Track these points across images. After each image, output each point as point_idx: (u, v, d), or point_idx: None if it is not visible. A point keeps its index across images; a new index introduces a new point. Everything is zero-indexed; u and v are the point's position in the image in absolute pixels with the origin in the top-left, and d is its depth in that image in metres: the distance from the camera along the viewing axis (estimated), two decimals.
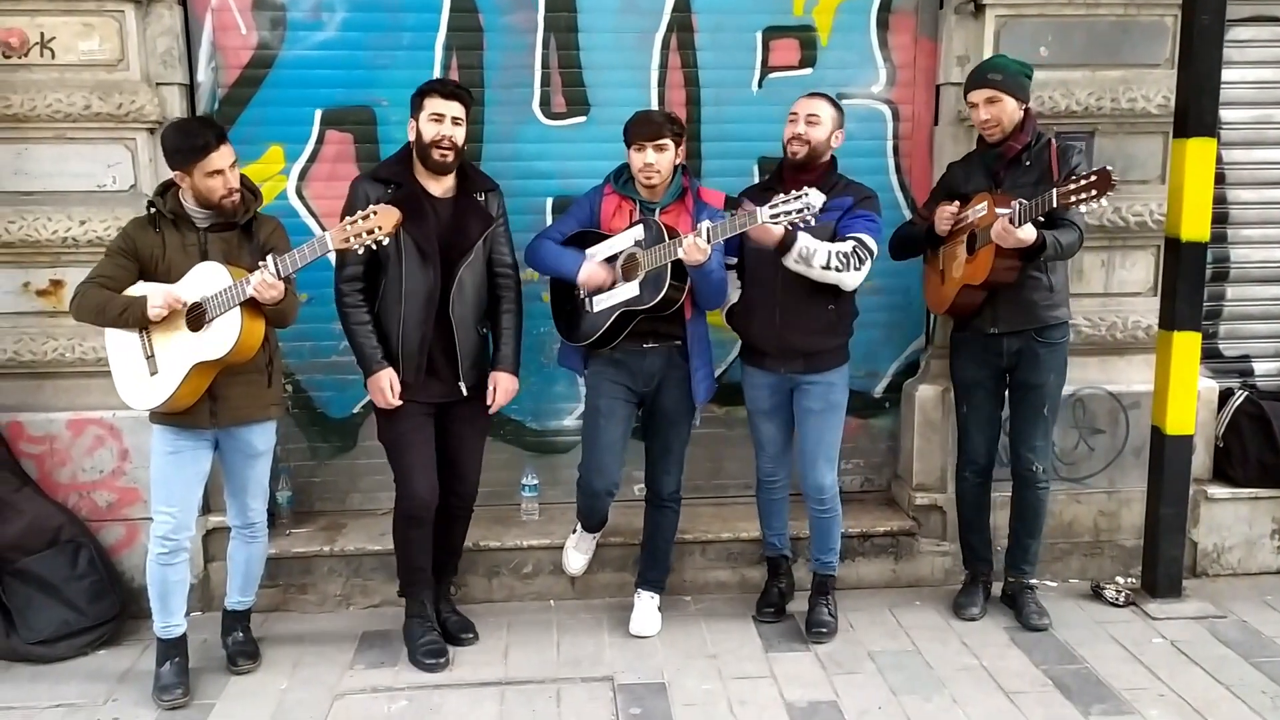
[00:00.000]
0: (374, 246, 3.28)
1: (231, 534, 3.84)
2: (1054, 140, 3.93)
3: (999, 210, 3.70)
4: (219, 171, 3.40)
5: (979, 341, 4.04)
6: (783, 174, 3.89)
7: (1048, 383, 4.01)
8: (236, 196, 3.47)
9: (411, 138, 3.68)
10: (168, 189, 3.54)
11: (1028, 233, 3.66)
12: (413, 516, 3.79)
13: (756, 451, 4.14)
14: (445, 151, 3.61)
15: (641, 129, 3.74)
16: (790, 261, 3.67)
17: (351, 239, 3.26)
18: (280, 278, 3.34)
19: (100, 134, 4.11)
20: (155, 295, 3.39)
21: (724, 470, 4.78)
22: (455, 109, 3.62)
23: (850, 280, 3.76)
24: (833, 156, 3.92)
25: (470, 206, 3.75)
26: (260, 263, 3.37)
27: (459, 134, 3.63)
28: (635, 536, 4.27)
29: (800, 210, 3.43)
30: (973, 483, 4.22)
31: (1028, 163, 3.89)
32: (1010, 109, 3.84)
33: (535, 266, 4.02)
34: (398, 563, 3.92)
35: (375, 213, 3.26)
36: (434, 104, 3.60)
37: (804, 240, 3.63)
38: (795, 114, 3.85)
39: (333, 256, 3.37)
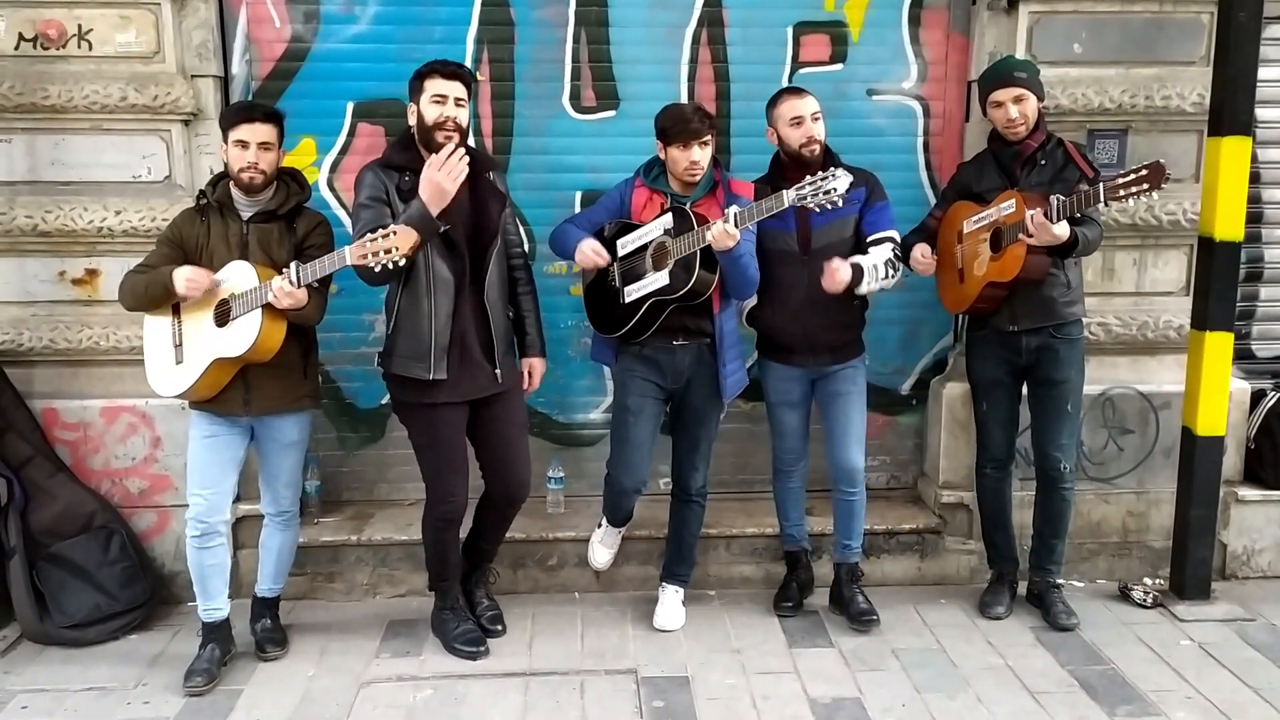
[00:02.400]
0: (390, 266, 3.26)
1: (265, 521, 3.89)
2: (1065, 140, 3.92)
3: (1029, 208, 3.68)
4: (243, 143, 3.49)
5: (998, 339, 4.02)
6: (785, 172, 3.86)
7: (1070, 379, 3.99)
8: (258, 176, 3.52)
9: (412, 122, 3.59)
10: (220, 180, 3.61)
11: (1063, 229, 3.64)
12: (449, 519, 3.80)
13: (776, 441, 4.15)
14: (450, 134, 3.50)
15: (684, 128, 3.68)
16: (862, 289, 3.80)
17: (369, 256, 3.26)
18: (299, 285, 3.38)
19: (136, 125, 4.16)
20: (185, 268, 3.47)
21: (750, 466, 4.78)
22: (457, 89, 3.53)
23: (896, 281, 3.83)
24: (824, 143, 3.88)
25: (486, 188, 3.67)
26: (284, 268, 3.42)
27: (462, 115, 3.54)
28: (660, 530, 4.28)
29: (827, 193, 3.44)
30: (994, 478, 4.20)
31: (1042, 161, 3.87)
32: (1034, 107, 3.83)
33: (554, 250, 4.05)
34: (430, 561, 3.93)
35: (394, 233, 3.24)
36: (435, 85, 3.51)
37: (867, 269, 3.75)
38: (800, 117, 3.81)
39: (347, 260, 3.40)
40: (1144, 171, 3.48)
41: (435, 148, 3.49)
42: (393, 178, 3.56)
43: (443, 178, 3.36)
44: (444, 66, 3.56)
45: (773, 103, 3.91)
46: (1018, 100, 3.80)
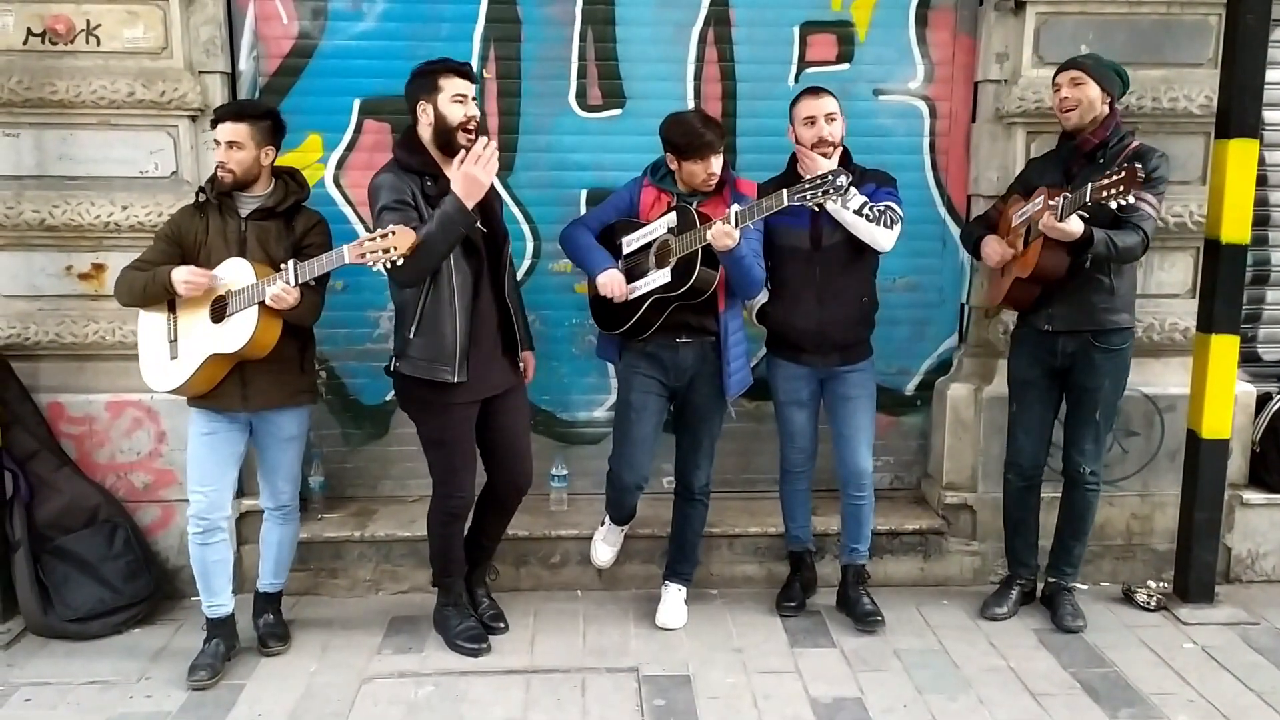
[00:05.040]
0: (387, 266, 3.27)
1: (264, 516, 3.91)
2: (1137, 142, 3.85)
3: (1049, 203, 3.68)
4: (217, 142, 3.55)
5: (1034, 339, 4.00)
6: (798, 170, 3.89)
7: (1102, 387, 3.95)
8: (226, 175, 3.54)
9: (426, 121, 3.54)
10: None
11: (1074, 225, 3.62)
12: (457, 515, 3.81)
13: (784, 442, 4.15)
14: (471, 134, 3.51)
15: (700, 142, 3.68)
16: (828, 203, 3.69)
17: (368, 255, 3.27)
18: (296, 284, 3.39)
19: (143, 121, 4.17)
20: (182, 269, 3.48)
21: (753, 465, 4.78)
22: (473, 89, 3.56)
23: (883, 237, 3.82)
24: (845, 147, 3.93)
25: (491, 190, 3.61)
26: (282, 265, 3.44)
27: (478, 114, 3.57)
28: (664, 529, 4.28)
29: (826, 193, 3.47)
30: (1016, 485, 4.18)
31: (1102, 160, 3.83)
32: (1093, 95, 3.77)
33: (566, 253, 4.05)
34: (434, 556, 3.93)
35: (394, 233, 3.25)
36: (455, 84, 3.50)
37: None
38: (812, 116, 3.82)
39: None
40: (1121, 174, 3.49)
41: (456, 149, 3.50)
42: (415, 182, 3.53)
43: (479, 171, 3.38)
44: (459, 65, 3.56)
45: (793, 101, 3.92)
46: (1074, 83, 3.77)
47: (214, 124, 3.58)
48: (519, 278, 4.21)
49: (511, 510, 4.03)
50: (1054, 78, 3.90)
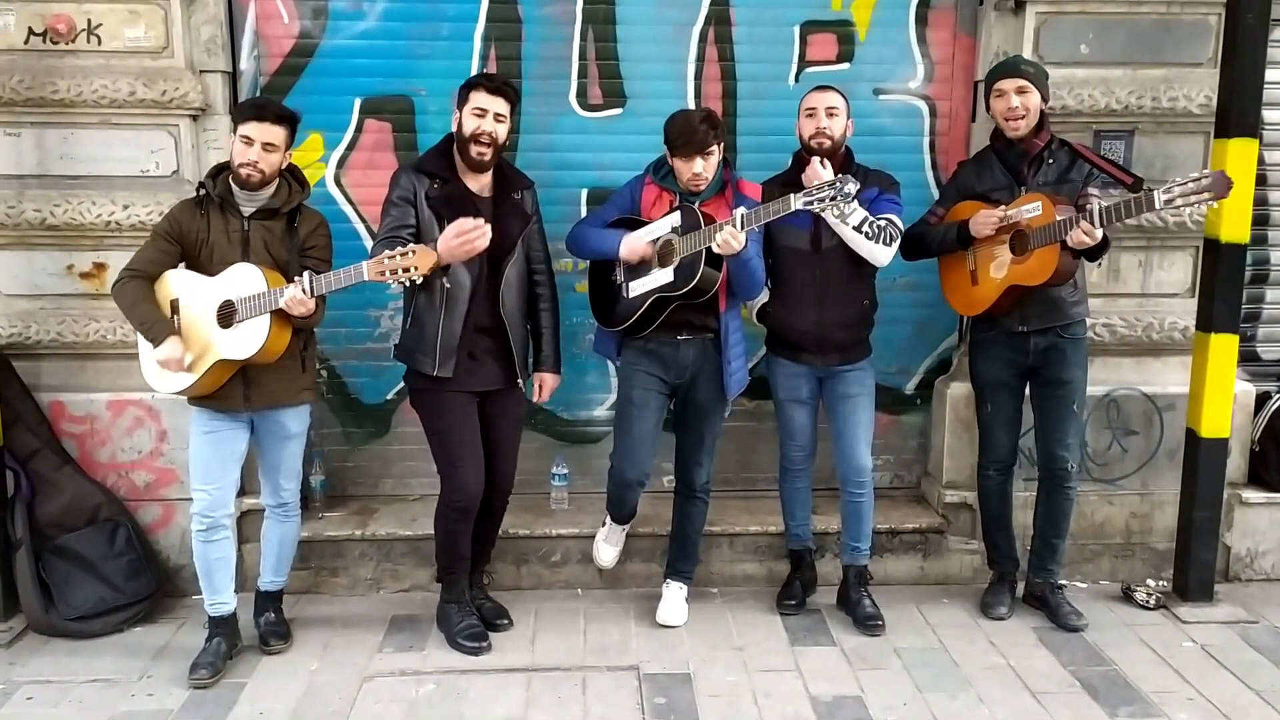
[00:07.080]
0: (407, 284, 3.35)
1: (266, 513, 3.91)
2: (1073, 142, 3.91)
3: (1059, 214, 3.64)
4: (248, 140, 3.48)
5: (1005, 341, 4.02)
6: (802, 167, 3.89)
7: (1075, 379, 3.99)
8: (255, 175, 3.50)
9: (455, 128, 3.68)
10: (219, 172, 3.61)
11: (1099, 231, 3.62)
12: (461, 508, 3.81)
13: (784, 441, 4.16)
14: (484, 148, 3.61)
15: (689, 139, 3.69)
16: (829, 215, 3.73)
17: (387, 274, 3.33)
18: (311, 295, 3.42)
19: (144, 120, 4.17)
20: (170, 347, 3.49)
21: (753, 464, 4.79)
22: (499, 105, 3.62)
23: (881, 254, 3.85)
24: (848, 147, 3.97)
25: (510, 206, 3.76)
26: (296, 277, 3.44)
27: (500, 130, 3.63)
28: (664, 527, 4.28)
29: (834, 199, 3.47)
30: (997, 480, 4.20)
31: (1050, 161, 3.87)
32: (1036, 103, 3.82)
33: (576, 252, 4.06)
34: (439, 551, 3.94)
35: (414, 252, 3.33)
36: (478, 98, 3.61)
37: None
38: (813, 108, 3.88)
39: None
40: (1205, 181, 3.44)
41: (469, 159, 3.62)
42: (423, 183, 3.64)
43: (457, 246, 3.42)
44: (489, 81, 3.67)
45: (802, 98, 3.96)
46: (1020, 91, 3.80)
47: (246, 119, 3.50)
48: None
49: (498, 511, 4.06)
50: (994, 82, 3.88)
